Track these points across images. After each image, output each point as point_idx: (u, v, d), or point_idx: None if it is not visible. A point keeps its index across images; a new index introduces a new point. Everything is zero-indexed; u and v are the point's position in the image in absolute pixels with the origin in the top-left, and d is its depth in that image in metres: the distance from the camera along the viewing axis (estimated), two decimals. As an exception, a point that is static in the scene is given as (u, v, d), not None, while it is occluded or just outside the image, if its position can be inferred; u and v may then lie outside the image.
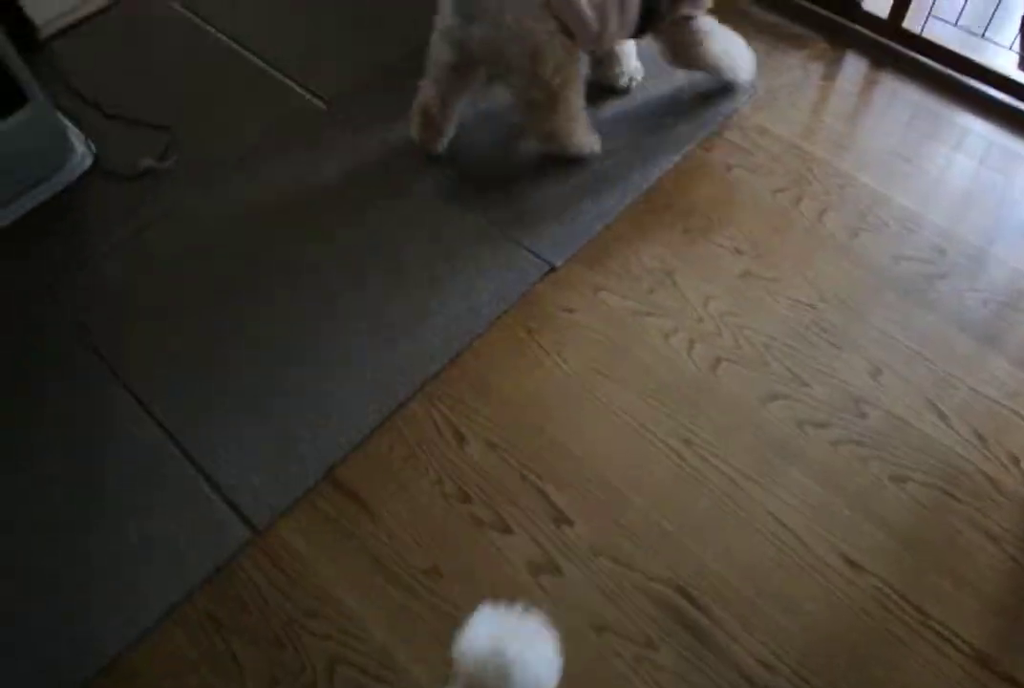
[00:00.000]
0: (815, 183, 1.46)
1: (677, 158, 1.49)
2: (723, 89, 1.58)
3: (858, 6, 1.63)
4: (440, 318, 1.34)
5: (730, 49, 1.51)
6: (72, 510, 1.20)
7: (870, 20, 1.64)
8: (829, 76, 1.60)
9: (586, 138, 1.48)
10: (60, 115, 1.58)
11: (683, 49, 1.47)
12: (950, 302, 1.33)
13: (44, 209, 1.53)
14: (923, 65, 1.61)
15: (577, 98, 1.41)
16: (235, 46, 1.75)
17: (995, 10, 1.51)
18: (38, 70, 1.52)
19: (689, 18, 1.41)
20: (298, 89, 1.66)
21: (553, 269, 1.39)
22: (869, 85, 1.61)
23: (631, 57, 1.57)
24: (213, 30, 1.79)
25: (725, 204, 1.45)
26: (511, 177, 1.50)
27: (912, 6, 1.55)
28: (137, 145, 1.59)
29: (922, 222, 1.41)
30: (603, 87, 1.58)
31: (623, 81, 1.57)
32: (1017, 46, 1.55)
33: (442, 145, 1.51)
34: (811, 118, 1.55)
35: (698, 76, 1.58)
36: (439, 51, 1.38)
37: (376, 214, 1.48)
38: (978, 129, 1.53)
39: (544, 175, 1.49)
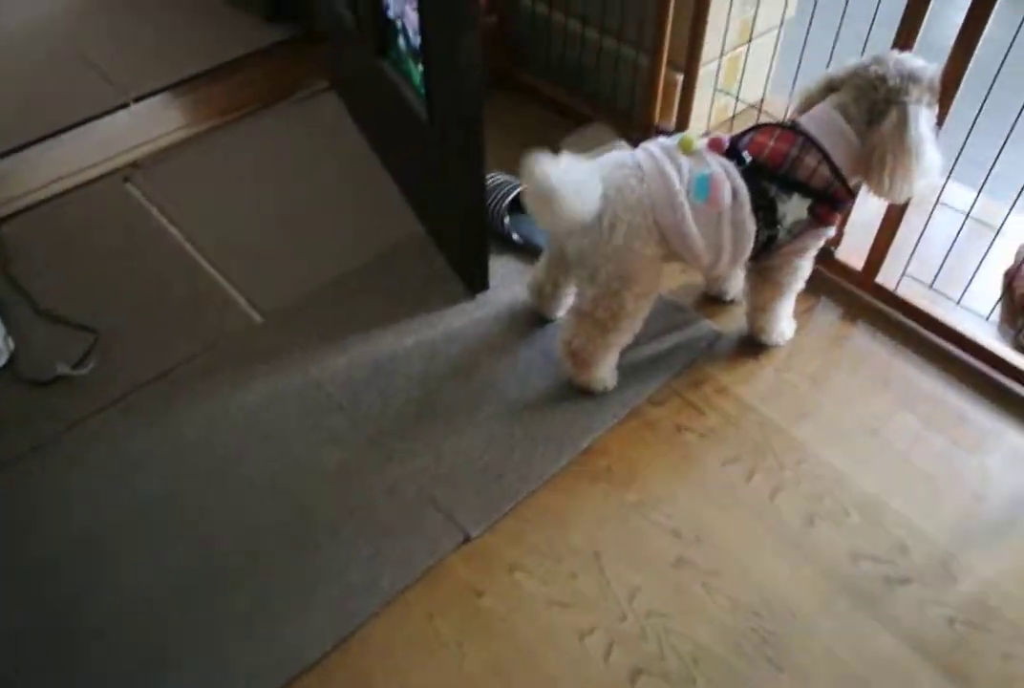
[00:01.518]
0: (771, 455, 1.34)
1: (623, 414, 1.38)
2: (684, 334, 1.48)
3: (831, 254, 1.56)
4: (334, 588, 1.20)
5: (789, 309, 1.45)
6: None
7: (844, 270, 1.57)
8: (799, 328, 1.50)
9: (608, 374, 1.39)
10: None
11: (770, 286, 1.37)
12: (911, 618, 1.16)
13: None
14: (897, 323, 1.51)
15: (631, 332, 1.33)
16: (187, 245, 1.69)
17: (972, 277, 1.42)
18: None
19: (802, 251, 1.32)
20: (239, 298, 1.59)
21: (468, 539, 1.25)
22: (839, 340, 1.51)
23: (783, 313, 1.45)
24: (165, 221, 1.75)
25: (669, 473, 1.32)
26: (444, 417, 1.39)
27: (890, 261, 1.48)
28: (59, 346, 1.51)
29: (884, 511, 1.27)
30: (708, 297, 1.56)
31: (731, 295, 1.54)
32: (996, 315, 1.46)
33: (558, 311, 1.49)
34: (774, 377, 1.44)
35: (661, 320, 1.48)
36: (547, 244, 1.39)
37: (289, 455, 1.36)
38: (951, 400, 1.41)
39: (478, 419, 1.38)
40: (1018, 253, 1.61)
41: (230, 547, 1.25)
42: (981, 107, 1.26)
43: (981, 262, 1.41)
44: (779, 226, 1.23)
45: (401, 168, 1.76)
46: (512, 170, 1.84)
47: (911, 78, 1.16)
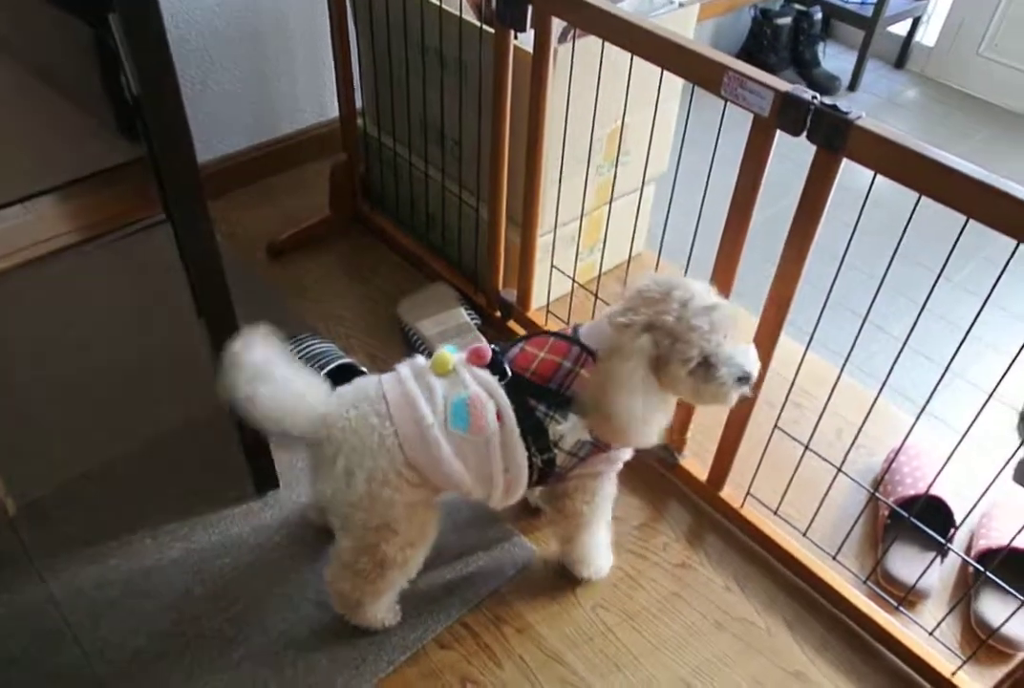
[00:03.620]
0: (566, 727, 1.13)
1: (400, 660, 1.15)
2: (492, 555, 1.27)
3: (674, 461, 1.37)
4: None
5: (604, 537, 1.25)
6: None
7: (689, 479, 1.38)
8: (636, 546, 1.29)
9: (386, 611, 1.17)
10: None
11: (570, 517, 1.16)
12: None
13: None
14: (744, 547, 1.31)
15: (405, 577, 1.12)
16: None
17: (817, 509, 1.23)
18: None
19: (595, 475, 1.12)
20: (-2, 482, 1.40)
21: None
22: (678, 565, 1.29)
23: (594, 544, 1.23)
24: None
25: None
26: (191, 657, 1.15)
27: (742, 470, 1.30)
28: None
29: None
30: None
31: (576, 571, 1.25)
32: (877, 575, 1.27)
33: None
34: (590, 615, 1.22)
35: (471, 533, 1.28)
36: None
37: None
38: (792, 653, 1.19)
39: (232, 661, 1.14)
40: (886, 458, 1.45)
41: None
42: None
43: (825, 495, 1.22)
44: (556, 450, 1.04)
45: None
46: (349, 328, 1.72)
47: (660, 324, 0.96)
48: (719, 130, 1.09)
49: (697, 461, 1.39)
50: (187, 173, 1.03)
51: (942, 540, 1.18)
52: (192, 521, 1.32)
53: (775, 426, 1.23)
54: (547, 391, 1.02)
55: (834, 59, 2.85)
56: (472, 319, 1.63)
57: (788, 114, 0.98)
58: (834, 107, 0.94)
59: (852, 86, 2.70)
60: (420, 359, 1.08)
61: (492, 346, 1.07)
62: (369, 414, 1.00)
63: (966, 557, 1.25)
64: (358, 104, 1.76)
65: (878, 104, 2.69)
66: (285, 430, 1.00)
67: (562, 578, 1.26)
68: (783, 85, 0.99)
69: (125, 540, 1.29)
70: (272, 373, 0.99)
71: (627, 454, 1.12)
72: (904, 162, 0.90)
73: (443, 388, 1.02)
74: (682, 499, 1.39)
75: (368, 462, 0.98)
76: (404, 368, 1.06)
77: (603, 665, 1.17)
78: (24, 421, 1.48)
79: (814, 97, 0.96)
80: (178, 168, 1.01)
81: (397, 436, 0.99)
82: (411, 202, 1.80)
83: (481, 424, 1.00)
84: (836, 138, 0.94)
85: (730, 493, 1.35)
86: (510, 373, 1.02)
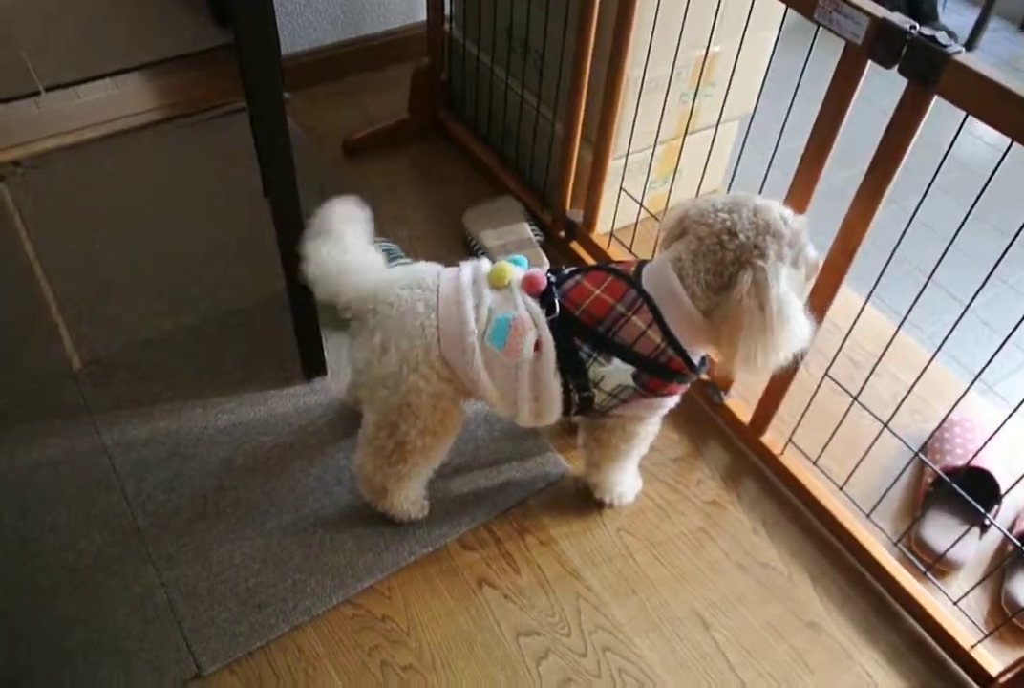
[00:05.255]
0: (576, 635, 1.13)
1: (422, 553, 1.19)
2: (525, 467, 1.28)
3: (720, 399, 1.35)
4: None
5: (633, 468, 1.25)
6: None
7: (732, 420, 1.37)
8: (671, 479, 1.29)
9: (412, 504, 1.20)
10: None
11: (602, 447, 1.16)
12: None
13: None
14: (778, 492, 1.30)
15: (427, 466, 1.14)
16: (36, 265, 1.53)
17: (857, 465, 1.21)
18: None
19: (636, 419, 1.11)
20: (67, 337, 1.42)
21: (198, 676, 1.07)
22: (710, 503, 1.28)
23: (621, 474, 1.23)
24: (23, 234, 1.59)
25: (452, 637, 1.12)
26: (227, 520, 1.20)
27: (786, 416, 1.27)
28: None
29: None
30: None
31: (597, 494, 1.26)
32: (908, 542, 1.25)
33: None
34: (613, 538, 1.24)
35: (507, 444, 1.29)
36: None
37: (49, 528, 1.19)
38: (811, 603, 1.18)
39: (264, 529, 1.19)
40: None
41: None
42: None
43: (868, 451, 1.19)
44: (595, 389, 1.03)
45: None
46: (413, 231, 1.72)
47: (770, 232, 0.94)
48: (806, 60, 1.02)
49: (742, 403, 1.37)
50: (267, 54, 1.01)
51: (983, 511, 1.15)
52: (241, 397, 1.36)
53: (825, 374, 1.20)
54: (594, 333, 1.00)
55: (954, 14, 2.64)
56: (535, 236, 1.60)
57: (882, 43, 0.91)
58: (932, 38, 0.87)
59: (969, 45, 2.51)
60: (485, 264, 1.07)
61: (548, 275, 1.04)
62: (418, 300, 1.00)
63: (1006, 532, 1.22)
64: (447, 10, 1.73)
65: (995, 67, 2.50)
66: (334, 295, 1.04)
67: (590, 499, 1.26)
68: (880, 11, 0.92)
69: (177, 406, 1.34)
70: (340, 237, 1.03)
71: (672, 402, 1.10)
72: (1001, 102, 0.84)
73: (493, 301, 1.01)
74: (722, 439, 1.37)
75: (404, 343, 0.99)
76: (466, 269, 1.05)
77: (619, 586, 1.19)
78: (97, 286, 1.53)
79: (912, 27, 0.89)
80: (259, 50, 1.00)
81: (438, 330, 0.99)
82: (489, 112, 1.77)
83: (516, 348, 0.99)
84: (931, 72, 0.87)
85: (771, 438, 1.33)
86: (559, 309, 1.00)
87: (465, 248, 1.63)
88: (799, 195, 1.12)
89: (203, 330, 1.46)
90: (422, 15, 1.87)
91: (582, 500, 1.27)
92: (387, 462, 1.11)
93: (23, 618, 1.11)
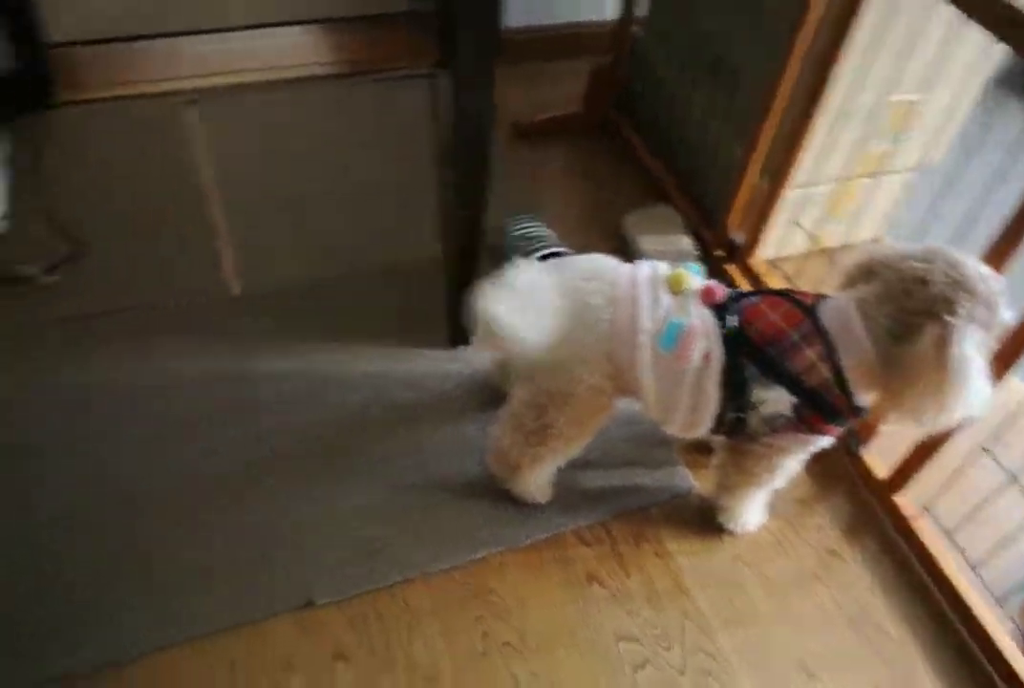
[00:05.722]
0: (677, 651, 1.10)
1: (539, 538, 1.17)
2: (652, 475, 1.26)
3: (855, 449, 1.32)
4: (139, 611, 1.04)
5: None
6: None
7: (865, 473, 1.32)
8: (793, 519, 1.25)
9: (537, 488, 1.19)
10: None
11: (740, 472, 1.14)
12: None
13: None
14: (902, 556, 1.24)
15: (565, 453, 1.13)
16: (212, 191, 1.59)
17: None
18: (32, 124, 1.47)
19: (782, 452, 1.08)
20: (230, 263, 1.47)
21: (310, 604, 1.08)
22: (828, 552, 1.24)
23: (751, 503, 1.20)
24: (203, 160, 1.65)
25: (555, 626, 1.10)
26: (353, 466, 1.21)
27: (925, 479, 1.22)
28: (39, 247, 1.44)
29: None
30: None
31: (721, 518, 1.24)
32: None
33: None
34: (730, 565, 1.20)
35: (636, 448, 1.28)
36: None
37: (180, 442, 1.22)
38: (918, 674, 1.13)
39: (388, 482, 1.20)
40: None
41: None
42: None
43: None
44: (751, 412, 1.00)
45: (445, 188, 1.62)
46: (566, 223, 1.71)
47: (965, 288, 0.90)
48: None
49: (880, 457, 1.33)
50: (485, 30, 1.03)
51: None
52: (384, 351, 1.37)
53: (983, 448, 1.16)
54: (764, 355, 0.98)
55: None
56: (695, 250, 1.61)
57: None
58: None
59: None
60: (663, 267, 1.06)
61: (728, 290, 1.04)
62: (596, 293, 1.00)
63: None
64: (639, 12, 1.75)
65: None
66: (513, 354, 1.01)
67: (711, 520, 1.24)
68: None
69: (323, 348, 1.36)
70: (529, 303, 0.96)
71: (825, 441, 1.07)
72: None
73: (668, 304, 1.00)
74: (851, 489, 1.33)
75: (575, 334, 0.99)
76: (645, 268, 1.05)
77: (728, 613, 1.16)
78: (263, 221, 1.58)
79: None
80: (476, 24, 1.01)
81: (611, 324, 0.99)
82: (664, 120, 1.78)
83: (686, 354, 0.98)
84: None
85: (905, 501, 1.29)
86: (735, 325, 0.99)
87: (618, 248, 1.63)
88: (1000, 254, 1.09)
89: (356, 280, 1.49)
90: (612, 13, 1.88)
91: (703, 519, 1.24)
92: (526, 441, 1.11)
93: (144, 534, 1.13)
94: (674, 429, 1.07)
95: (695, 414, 1.03)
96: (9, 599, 1.05)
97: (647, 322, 0.99)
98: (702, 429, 1.05)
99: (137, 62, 1.85)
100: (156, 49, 1.90)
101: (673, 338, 0.99)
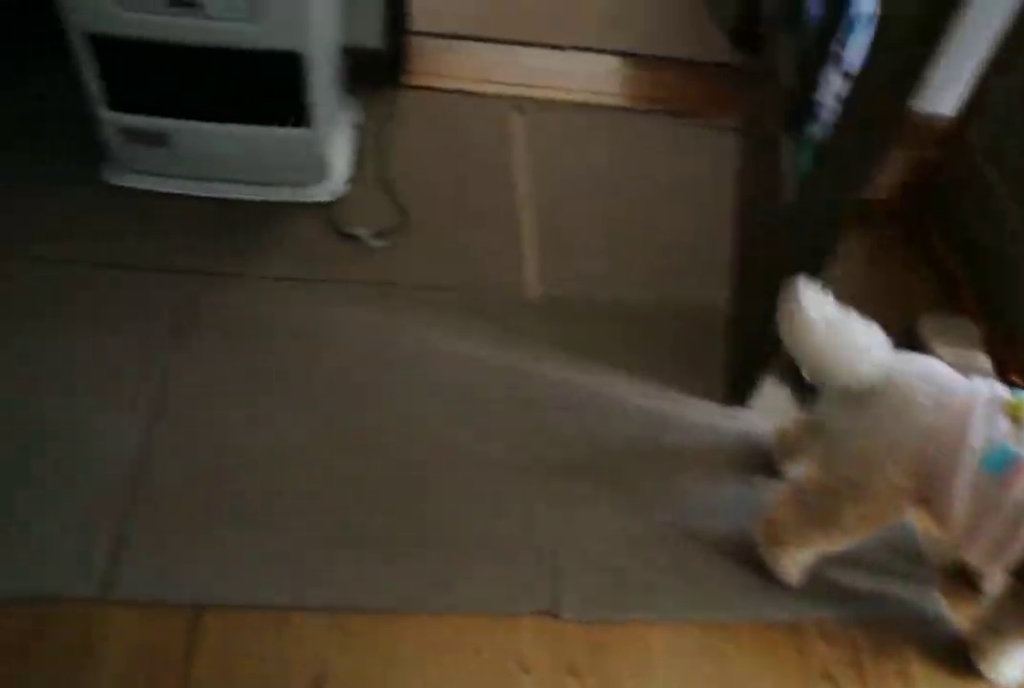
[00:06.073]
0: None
1: (783, 619, 1.14)
2: (907, 588, 1.20)
3: None
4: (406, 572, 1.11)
5: None
6: None
7: None
8: None
9: (795, 567, 1.16)
10: (336, 149, 1.58)
11: (1020, 618, 1.07)
12: None
13: (252, 206, 1.54)
14: None
15: (836, 544, 1.11)
16: (524, 192, 1.67)
17: None
18: (382, 100, 1.63)
19: None
20: (531, 265, 1.53)
21: (555, 616, 1.10)
22: None
23: (1015, 656, 1.11)
24: (522, 161, 1.73)
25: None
26: (622, 493, 1.24)
27: None
28: (372, 213, 1.56)
29: None
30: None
31: (979, 661, 1.13)
32: None
33: (789, 469, 1.29)
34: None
35: (899, 559, 1.22)
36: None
37: (470, 422, 1.29)
38: None
39: (646, 518, 1.21)
40: None
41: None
42: None
43: None
44: None
45: (744, 239, 1.64)
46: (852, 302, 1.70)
47: None
48: None
49: None
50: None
51: None
52: (660, 388, 1.39)
53: None
54: None
55: None
56: (991, 370, 1.51)
57: None
58: None
59: None
60: (1002, 389, 1.02)
61: None
62: (928, 395, 0.97)
63: None
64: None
65: None
66: (838, 382, 1.01)
67: (963, 655, 1.15)
68: None
69: (605, 369, 1.40)
70: (837, 327, 1.00)
71: None
72: None
73: (1004, 429, 0.96)
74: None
75: (896, 432, 0.97)
76: (984, 385, 1.01)
77: (960, 757, 1.09)
78: (570, 233, 1.64)
79: None
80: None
81: (934, 429, 0.96)
82: (977, 228, 1.70)
83: (1014, 484, 0.93)
84: None
85: None
86: None
87: (905, 349, 1.58)
88: None
89: (643, 309, 1.52)
90: (944, 109, 1.80)
91: (954, 652, 1.16)
92: (804, 521, 1.09)
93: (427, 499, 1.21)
94: (969, 554, 1.02)
95: (1001, 546, 0.97)
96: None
97: (976, 440, 0.96)
98: (999, 563, 1.00)
99: (477, 61, 1.99)
100: (495, 53, 2.04)
101: (1002, 465, 0.94)
